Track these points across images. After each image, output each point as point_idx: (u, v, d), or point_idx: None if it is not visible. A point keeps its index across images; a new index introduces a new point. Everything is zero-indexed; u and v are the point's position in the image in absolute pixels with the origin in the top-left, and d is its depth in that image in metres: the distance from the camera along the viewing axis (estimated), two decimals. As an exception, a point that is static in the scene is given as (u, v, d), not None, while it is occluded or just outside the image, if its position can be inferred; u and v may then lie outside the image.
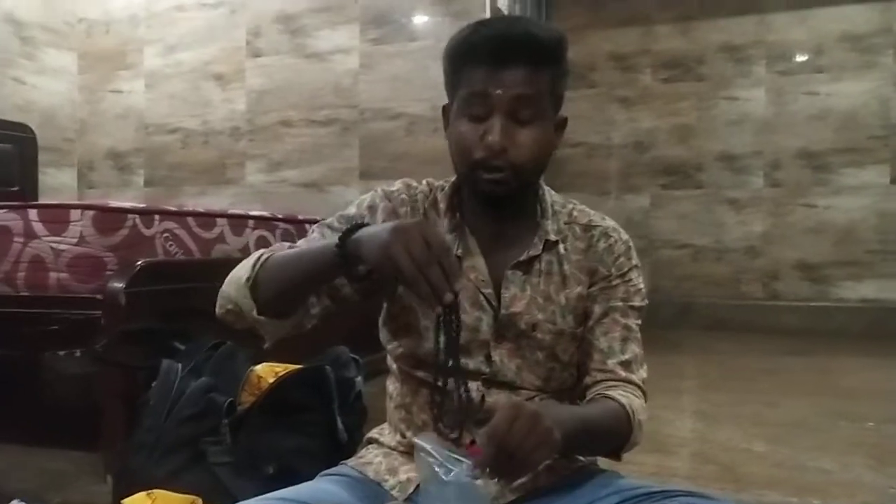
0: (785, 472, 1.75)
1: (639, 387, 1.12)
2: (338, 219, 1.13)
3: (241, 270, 1.04)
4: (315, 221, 2.45)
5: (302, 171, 3.84)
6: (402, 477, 1.11)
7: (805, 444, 1.97)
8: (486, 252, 1.11)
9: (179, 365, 1.47)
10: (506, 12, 3.84)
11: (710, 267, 4.62)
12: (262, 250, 1.07)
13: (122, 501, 1.20)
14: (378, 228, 0.92)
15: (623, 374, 1.11)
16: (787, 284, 4.47)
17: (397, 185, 1.16)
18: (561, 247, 1.12)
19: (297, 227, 2.30)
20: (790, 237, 4.47)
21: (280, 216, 2.26)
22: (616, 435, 1.08)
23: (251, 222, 2.09)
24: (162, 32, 4.10)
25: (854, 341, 3.89)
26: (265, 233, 2.14)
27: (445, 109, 1.12)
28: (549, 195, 1.16)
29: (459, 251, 1.11)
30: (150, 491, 1.20)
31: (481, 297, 1.10)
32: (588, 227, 1.14)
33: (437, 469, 0.88)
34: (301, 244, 1.12)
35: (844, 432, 2.11)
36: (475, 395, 1.08)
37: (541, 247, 1.10)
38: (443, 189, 1.16)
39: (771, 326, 4.26)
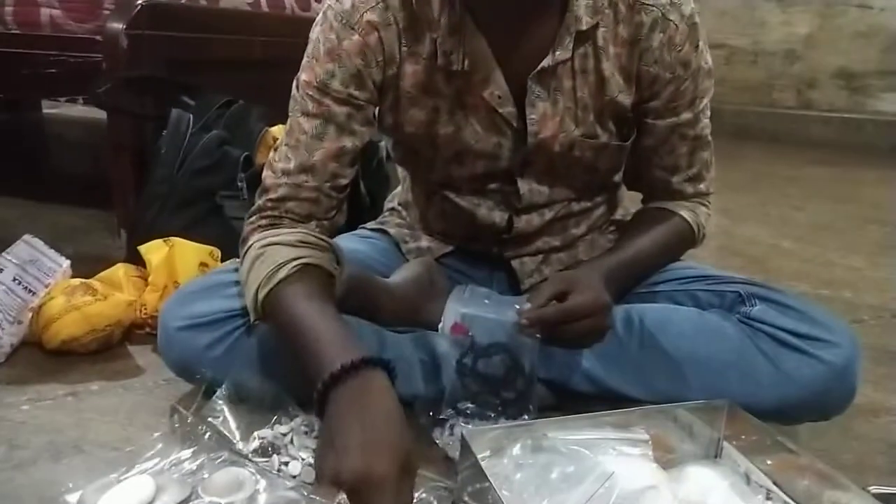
0: (814, 267, 1.71)
1: (706, 195, 1.02)
2: (307, 94, 0.86)
3: (249, 295, 0.79)
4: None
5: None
6: (424, 244, 1.06)
7: (833, 243, 1.92)
8: (501, 57, 0.86)
9: (190, 116, 1.36)
10: None
11: (743, 71, 4.35)
12: (257, 271, 0.79)
13: (140, 247, 1.15)
14: (345, 441, 0.63)
15: (690, 190, 1.00)
16: (823, 93, 4.23)
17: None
18: (599, 35, 0.86)
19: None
20: (835, 42, 4.15)
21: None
22: (677, 252, 1.02)
23: (262, -28, 1.87)
24: None
25: (885, 155, 3.75)
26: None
27: None
28: None
29: (466, 63, 0.86)
30: (167, 238, 1.15)
31: (498, 119, 0.90)
32: (636, 7, 0.86)
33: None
34: (285, 152, 0.88)
35: (874, 236, 2.06)
36: (499, 220, 0.98)
37: (571, 44, 0.85)
38: None
39: (800, 137, 4.10)
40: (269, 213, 0.87)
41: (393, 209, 1.15)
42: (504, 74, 0.87)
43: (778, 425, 0.90)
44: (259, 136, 1.45)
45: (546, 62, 0.85)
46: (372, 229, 1.12)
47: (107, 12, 1.44)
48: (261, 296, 0.76)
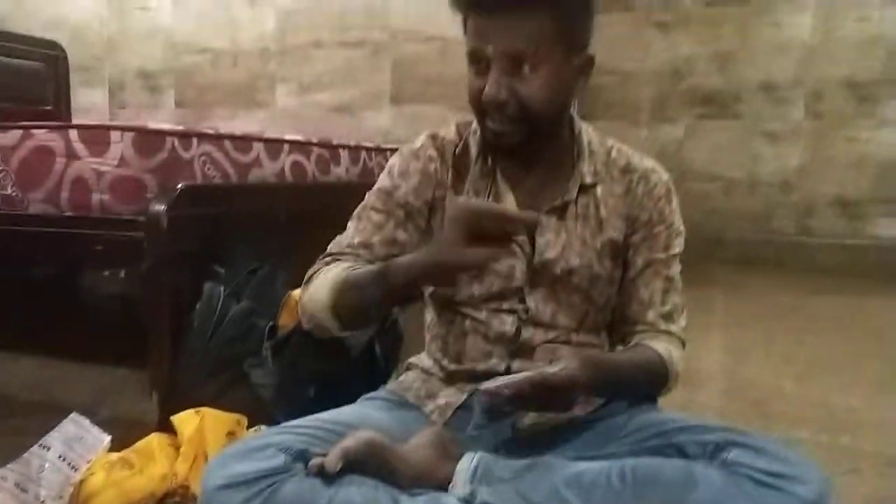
0: (814, 410, 1.76)
1: (678, 338, 1.15)
2: (377, 197, 1.14)
3: (322, 291, 1.06)
4: (348, 147, 2.42)
5: (333, 93, 3.79)
6: (441, 401, 1.15)
7: (834, 382, 1.98)
8: (518, 197, 1.11)
9: (221, 288, 1.50)
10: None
11: (742, 201, 4.52)
12: (332, 270, 1.08)
13: (172, 418, 1.25)
14: (414, 261, 0.97)
15: (663, 326, 1.13)
16: (821, 221, 4.38)
17: (422, 139, 1.15)
18: (598, 189, 1.11)
19: (331, 152, 2.28)
20: (828, 171, 4.34)
21: (315, 141, 2.24)
22: (652, 382, 1.12)
23: (286, 146, 2.08)
24: (189, -54, 3.99)
25: (887, 281, 3.83)
26: (300, 157, 2.13)
27: None
28: (587, 134, 1.14)
29: (490, 197, 1.11)
30: (197, 409, 1.25)
31: (514, 245, 1.10)
32: (627, 170, 1.12)
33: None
34: (351, 234, 1.14)
35: (873, 372, 2.11)
36: (509, 328, 1.12)
37: (576, 191, 1.10)
38: (476, 133, 1.13)
39: (802, 264, 4.21)
40: (329, 258, 1.12)
41: (410, 365, 1.25)
42: (520, 210, 1.09)
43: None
44: (283, 301, 1.58)
45: (557, 202, 1.09)
46: (391, 392, 1.21)
47: (150, 196, 1.61)
48: (338, 283, 1.03)
